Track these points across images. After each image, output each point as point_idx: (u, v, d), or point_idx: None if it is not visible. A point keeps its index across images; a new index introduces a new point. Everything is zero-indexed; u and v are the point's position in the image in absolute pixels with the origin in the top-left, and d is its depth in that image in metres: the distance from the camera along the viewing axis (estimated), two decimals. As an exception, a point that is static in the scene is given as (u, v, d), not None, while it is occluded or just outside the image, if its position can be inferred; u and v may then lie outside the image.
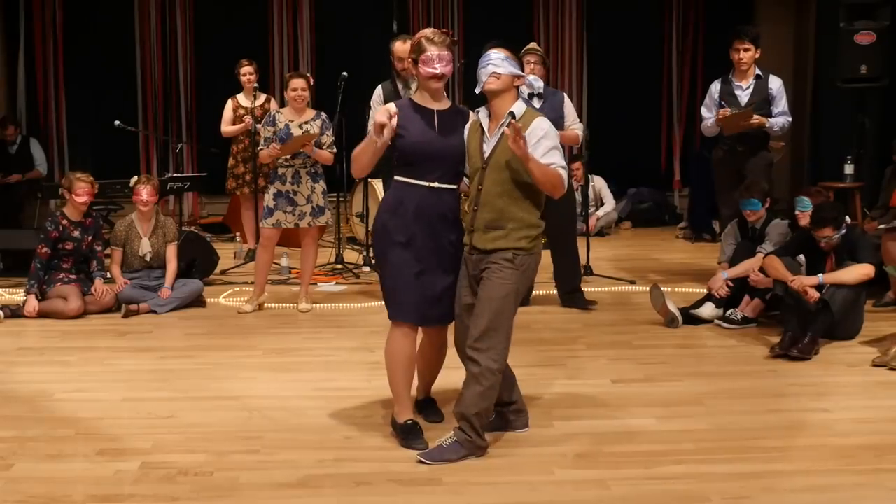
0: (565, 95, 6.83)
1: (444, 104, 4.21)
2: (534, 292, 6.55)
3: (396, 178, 4.16)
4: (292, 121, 6.75)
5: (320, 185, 6.80)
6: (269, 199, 6.73)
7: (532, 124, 4.00)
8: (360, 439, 4.26)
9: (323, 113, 6.90)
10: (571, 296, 6.81)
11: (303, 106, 6.79)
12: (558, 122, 6.56)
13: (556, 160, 3.97)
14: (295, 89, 6.76)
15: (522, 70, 4.12)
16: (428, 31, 4.17)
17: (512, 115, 4.00)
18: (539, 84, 6.52)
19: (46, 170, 10.40)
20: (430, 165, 4.08)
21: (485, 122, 4.09)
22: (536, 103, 6.56)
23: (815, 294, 5.60)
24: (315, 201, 6.74)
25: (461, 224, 4.15)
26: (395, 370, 4.24)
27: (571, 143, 6.85)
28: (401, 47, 6.85)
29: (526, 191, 4.00)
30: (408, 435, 4.19)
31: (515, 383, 4.33)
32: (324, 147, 6.77)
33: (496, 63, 4.02)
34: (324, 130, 6.78)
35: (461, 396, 4.05)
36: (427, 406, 4.57)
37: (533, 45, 6.97)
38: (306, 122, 6.76)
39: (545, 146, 3.97)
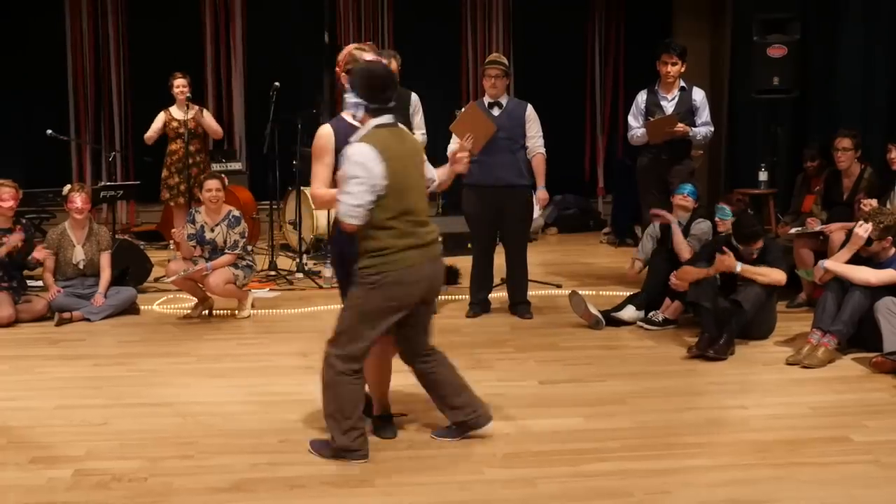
0: (529, 108, 6.66)
1: None
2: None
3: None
4: (206, 223, 6.87)
5: (241, 272, 6.87)
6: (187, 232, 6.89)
7: None
8: (294, 443, 4.31)
9: (233, 211, 6.93)
10: (519, 306, 6.87)
11: (217, 206, 6.86)
12: (517, 131, 6.59)
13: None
14: (210, 190, 6.84)
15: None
16: (359, 45, 4.24)
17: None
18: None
19: (-24, 178, 10.19)
20: None
21: None
22: (496, 112, 6.58)
23: (733, 263, 5.80)
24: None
25: None
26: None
27: (539, 172, 6.72)
28: None
29: None
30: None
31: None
32: (226, 249, 6.80)
33: None
34: (228, 231, 6.85)
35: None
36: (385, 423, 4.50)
37: (494, 55, 6.83)
38: (217, 225, 6.85)
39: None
